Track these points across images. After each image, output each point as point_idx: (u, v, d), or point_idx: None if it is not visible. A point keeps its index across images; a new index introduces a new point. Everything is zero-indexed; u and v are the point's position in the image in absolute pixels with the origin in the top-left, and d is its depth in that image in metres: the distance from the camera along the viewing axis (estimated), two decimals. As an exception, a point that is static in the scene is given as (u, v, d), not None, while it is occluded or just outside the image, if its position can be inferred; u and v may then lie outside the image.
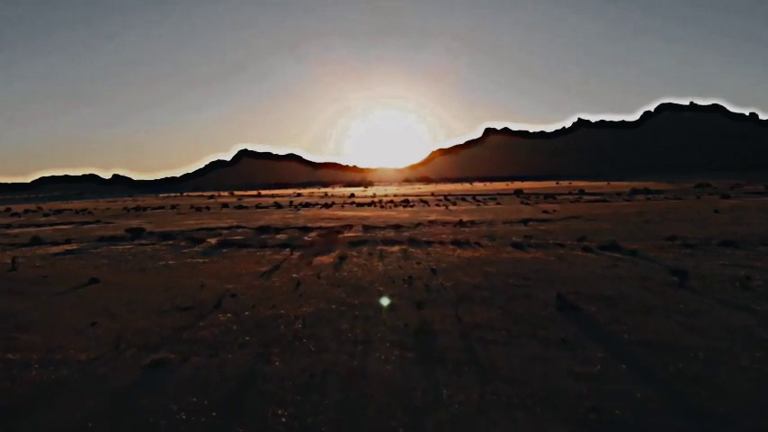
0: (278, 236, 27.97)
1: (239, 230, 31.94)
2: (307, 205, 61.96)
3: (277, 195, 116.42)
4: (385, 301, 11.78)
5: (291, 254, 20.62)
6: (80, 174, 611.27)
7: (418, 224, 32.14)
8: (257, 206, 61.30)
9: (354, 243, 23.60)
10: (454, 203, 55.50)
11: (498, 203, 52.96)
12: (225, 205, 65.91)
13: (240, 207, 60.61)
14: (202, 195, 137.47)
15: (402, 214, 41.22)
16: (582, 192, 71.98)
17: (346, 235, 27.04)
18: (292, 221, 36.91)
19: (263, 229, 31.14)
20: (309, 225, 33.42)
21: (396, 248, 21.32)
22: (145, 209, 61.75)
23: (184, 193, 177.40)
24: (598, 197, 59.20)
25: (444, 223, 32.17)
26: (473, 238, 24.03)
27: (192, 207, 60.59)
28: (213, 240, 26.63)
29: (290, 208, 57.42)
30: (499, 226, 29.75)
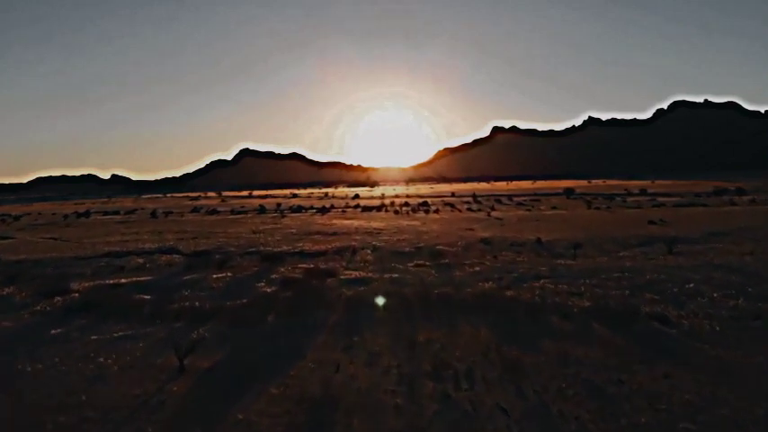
0: (215, 276, 14.74)
1: (162, 258, 18.80)
2: (298, 209, 48.75)
3: (271, 196, 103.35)
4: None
5: (180, 373, 7.31)
6: (78, 174, 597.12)
7: (467, 247, 18.87)
8: (233, 211, 48.07)
9: (358, 309, 10.39)
10: (492, 208, 42.03)
11: (555, 208, 39.37)
12: (196, 209, 52.72)
13: (213, 212, 47.47)
14: (188, 196, 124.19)
15: (430, 225, 27.88)
16: (644, 192, 58.04)
17: (343, 276, 13.83)
18: (262, 239, 23.68)
19: (201, 257, 17.94)
20: (284, 248, 20.20)
21: (475, 348, 8.02)
22: (89, 215, 48.66)
23: (168, 194, 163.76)
24: (677, 198, 45.61)
25: (514, 245, 18.85)
26: (628, 295, 10.74)
27: (152, 214, 47.51)
28: (85, 285, 13.71)
29: (276, 213, 44.20)
30: (627, 257, 16.37)
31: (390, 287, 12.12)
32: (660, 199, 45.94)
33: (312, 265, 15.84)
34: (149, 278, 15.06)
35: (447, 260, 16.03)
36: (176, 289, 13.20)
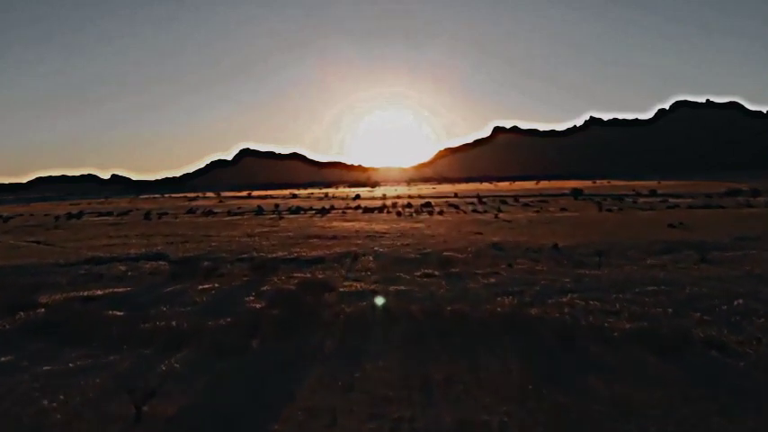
0: (201, 287, 13.26)
1: (147, 265, 17.37)
2: (297, 210, 47.30)
3: (270, 197, 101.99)
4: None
5: (137, 423, 5.81)
6: (78, 174, 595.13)
7: (478, 253, 17.39)
8: (229, 212, 46.61)
9: (360, 332, 8.93)
10: (499, 209, 40.54)
11: (565, 210, 37.85)
12: (192, 210, 51.27)
13: (209, 213, 46.03)
14: (186, 197, 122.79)
15: (435, 228, 26.41)
16: (654, 193, 56.51)
17: (343, 288, 12.33)
18: (256, 244, 22.23)
19: (188, 265, 16.44)
20: (279, 254, 18.75)
21: (508, 390, 6.55)
22: (81, 216, 47.22)
23: (166, 195, 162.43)
24: (690, 200, 44.10)
25: (529, 251, 17.35)
26: (672, 315, 9.29)
27: (145, 215, 46.05)
28: (54, 298, 12.38)
29: (274, 215, 42.74)
30: (657, 266, 14.88)
31: (396, 303, 10.63)
32: (672, 200, 44.42)
33: (309, 275, 14.39)
34: (128, 290, 13.61)
35: (457, 269, 14.56)
36: (154, 303, 11.73)
